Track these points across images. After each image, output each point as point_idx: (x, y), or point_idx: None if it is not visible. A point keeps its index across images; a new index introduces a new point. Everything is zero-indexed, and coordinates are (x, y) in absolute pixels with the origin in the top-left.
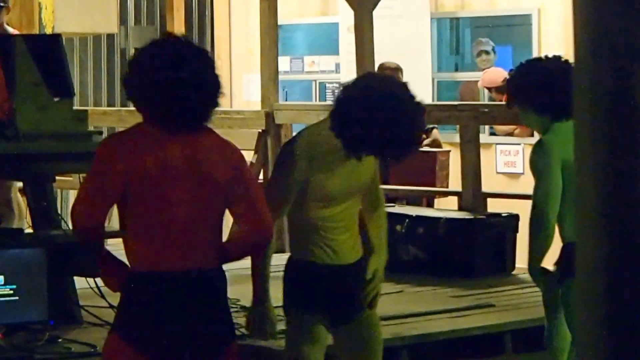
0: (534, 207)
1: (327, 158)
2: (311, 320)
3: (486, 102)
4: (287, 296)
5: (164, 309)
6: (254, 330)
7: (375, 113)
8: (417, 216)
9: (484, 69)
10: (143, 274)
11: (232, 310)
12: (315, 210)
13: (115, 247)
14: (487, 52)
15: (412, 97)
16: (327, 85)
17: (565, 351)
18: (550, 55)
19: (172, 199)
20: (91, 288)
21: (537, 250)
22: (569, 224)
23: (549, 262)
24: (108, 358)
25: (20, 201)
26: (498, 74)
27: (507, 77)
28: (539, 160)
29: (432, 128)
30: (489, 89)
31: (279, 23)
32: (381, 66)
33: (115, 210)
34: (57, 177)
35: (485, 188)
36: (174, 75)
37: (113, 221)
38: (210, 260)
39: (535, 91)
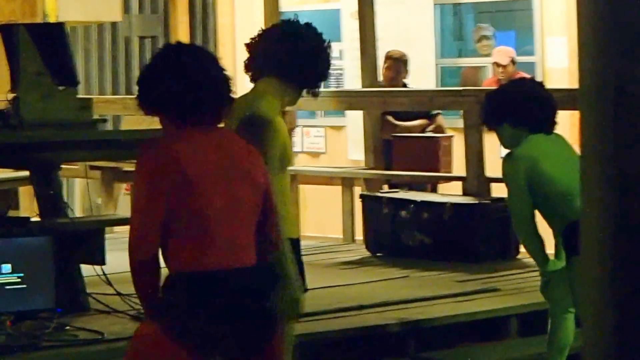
0: (512, 217)
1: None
2: None
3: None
4: None
5: (208, 308)
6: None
7: (315, 46)
8: (422, 201)
9: (485, 55)
10: (187, 274)
11: None
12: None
13: (120, 234)
14: (487, 38)
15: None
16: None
17: (566, 349)
18: (524, 76)
19: (213, 198)
20: (98, 275)
21: (532, 250)
22: (547, 213)
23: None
24: (145, 349)
25: None
26: (509, 51)
27: (484, 99)
28: (509, 172)
29: (437, 114)
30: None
31: (281, 10)
32: (387, 54)
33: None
34: (62, 166)
35: (489, 173)
36: (196, 72)
37: (118, 209)
38: (252, 257)
39: (514, 105)
